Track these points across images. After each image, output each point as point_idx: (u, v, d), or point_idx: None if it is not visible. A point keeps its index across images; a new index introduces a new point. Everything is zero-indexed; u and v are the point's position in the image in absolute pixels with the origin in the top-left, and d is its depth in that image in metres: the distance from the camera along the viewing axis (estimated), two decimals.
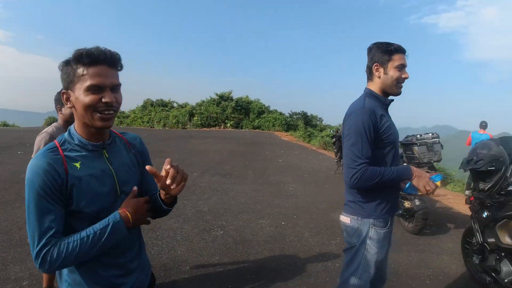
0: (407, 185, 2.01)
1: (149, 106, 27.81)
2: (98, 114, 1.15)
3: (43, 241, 1.10)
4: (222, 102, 26.25)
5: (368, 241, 1.98)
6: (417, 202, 4.55)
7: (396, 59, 1.95)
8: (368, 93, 2.03)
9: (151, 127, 23.85)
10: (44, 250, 1.10)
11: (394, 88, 2.00)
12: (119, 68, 1.20)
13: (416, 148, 4.47)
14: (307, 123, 24.31)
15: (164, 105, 28.18)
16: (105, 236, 1.16)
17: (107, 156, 1.27)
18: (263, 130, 23.67)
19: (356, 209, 2.01)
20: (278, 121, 24.39)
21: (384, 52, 1.96)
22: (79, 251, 1.13)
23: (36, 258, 1.10)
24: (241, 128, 24.17)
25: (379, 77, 1.99)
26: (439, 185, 2.03)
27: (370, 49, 2.03)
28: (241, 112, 25.83)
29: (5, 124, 21.82)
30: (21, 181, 6.74)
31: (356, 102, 2.01)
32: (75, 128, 1.23)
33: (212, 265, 3.58)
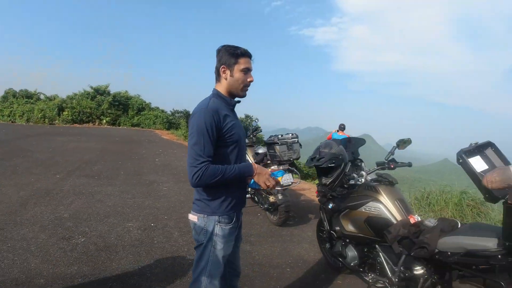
0: (251, 182, 2.14)
1: (11, 97, 24.29)
2: None
3: None
4: (98, 96, 24.23)
5: (214, 238, 2.04)
6: (280, 197, 4.89)
7: (242, 63, 2.02)
8: (215, 94, 2.08)
9: (12, 122, 20.91)
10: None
11: (240, 90, 2.08)
12: None
13: (277, 147, 4.82)
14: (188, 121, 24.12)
15: (29, 96, 24.90)
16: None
17: None
18: (143, 128, 22.73)
19: (202, 207, 2.06)
20: (160, 119, 23.70)
21: (231, 55, 2.01)
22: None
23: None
24: (119, 126, 22.79)
25: (226, 79, 2.05)
26: (280, 180, 2.19)
27: (218, 51, 2.07)
28: (119, 108, 24.25)
29: None
30: None
31: (201, 102, 2.04)
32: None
33: (70, 276, 3.25)
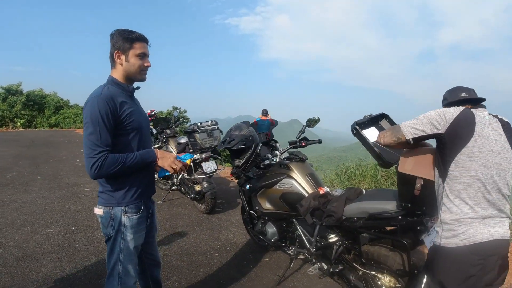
0: (160, 170, 2.16)
1: None
2: None
3: None
4: (10, 96, 21.89)
5: (122, 229, 2.03)
6: (205, 185, 4.95)
7: (137, 48, 1.99)
8: (110, 81, 2.03)
9: None
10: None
11: (138, 75, 2.05)
12: None
13: (197, 135, 4.85)
14: None
15: None
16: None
17: None
18: (62, 128, 21.21)
19: (107, 199, 2.02)
20: (80, 117, 22.20)
21: (126, 40, 1.96)
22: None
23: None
24: (35, 127, 20.99)
25: (121, 64, 2.00)
26: (188, 163, 2.21)
27: (112, 36, 2.01)
28: (34, 108, 22.24)
29: None
30: None
31: (95, 90, 1.97)
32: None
33: None
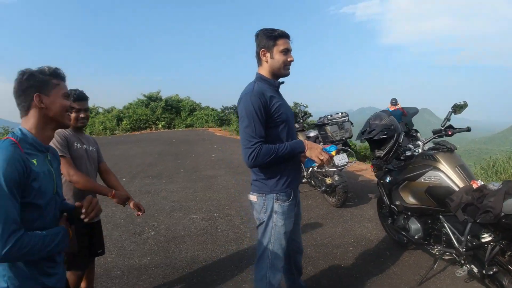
0: (306, 160, 2.19)
1: None
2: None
3: (15, 226, 1.21)
4: (151, 103, 25.43)
5: (274, 215, 2.13)
6: (336, 178, 4.86)
7: (281, 44, 2.08)
8: (258, 78, 2.16)
9: None
10: (18, 235, 1.21)
11: (282, 70, 2.13)
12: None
13: (328, 127, 4.79)
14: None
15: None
16: (57, 239, 1.35)
17: (49, 158, 1.46)
18: (196, 127, 23.45)
19: (260, 187, 2.15)
20: (211, 117, 24.33)
21: (269, 38, 2.07)
22: (40, 245, 1.27)
23: (6, 243, 1.18)
24: (174, 128, 23.68)
25: (267, 61, 2.11)
26: (334, 154, 2.20)
27: (256, 36, 2.14)
28: (172, 111, 25.30)
29: None
30: None
31: (246, 87, 2.12)
32: (29, 128, 1.39)
33: (144, 266, 3.53)
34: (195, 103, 27.08)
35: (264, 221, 2.16)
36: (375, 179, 6.65)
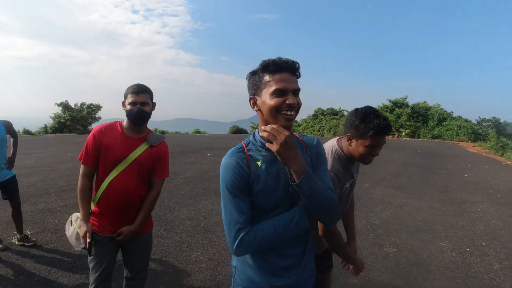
0: None
1: (319, 115, 28.45)
2: (281, 115, 1.30)
3: (238, 226, 1.30)
4: (396, 109, 24.80)
5: None
6: None
7: None
8: None
9: (321, 135, 24.28)
10: (241, 234, 1.29)
11: None
12: (298, 75, 1.34)
13: None
14: (499, 131, 20.44)
15: (334, 113, 28.38)
16: (291, 226, 1.33)
17: None
18: (444, 139, 21.30)
19: None
20: (463, 130, 21.48)
21: None
22: (271, 236, 1.30)
23: (233, 240, 1.29)
24: (418, 138, 22.31)
25: None
26: None
27: None
28: (418, 119, 23.90)
29: (198, 132, 25.75)
30: (209, 179, 7.92)
31: None
32: (258, 131, 1.40)
33: (382, 284, 3.41)
34: (446, 111, 24.57)
35: None
36: None
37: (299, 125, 28.17)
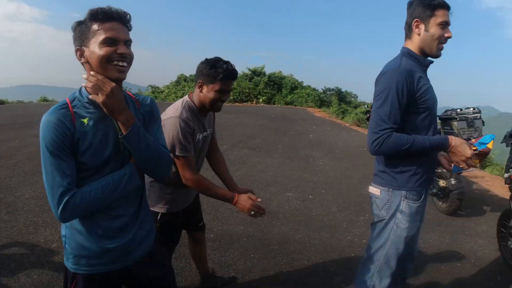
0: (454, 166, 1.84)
1: (182, 81, 27.93)
2: (113, 66, 1.21)
3: (62, 189, 1.18)
4: (255, 77, 25.89)
5: (398, 215, 1.83)
6: (453, 181, 4.29)
7: (439, 15, 1.73)
8: (405, 52, 1.83)
9: None
10: (66, 198, 1.18)
11: (434, 48, 1.78)
12: (129, 27, 1.28)
13: (455, 123, 4.14)
14: (341, 99, 23.71)
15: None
16: (121, 185, 1.27)
17: None
18: (295, 106, 23.33)
19: (387, 180, 1.85)
20: (311, 97, 23.92)
21: (426, 7, 1.74)
22: (100, 197, 1.23)
23: (57, 206, 1.18)
24: (273, 104, 23.90)
25: (419, 34, 1.79)
26: (491, 147, 1.81)
27: (410, 4, 1.83)
28: (273, 87, 25.47)
29: (45, 100, 22.43)
30: None
31: (391, 62, 1.81)
32: (85, 86, 1.27)
33: (237, 234, 3.60)
34: (297, 81, 26.83)
35: (384, 219, 1.87)
36: (491, 189, 5.78)
37: (162, 92, 27.14)
